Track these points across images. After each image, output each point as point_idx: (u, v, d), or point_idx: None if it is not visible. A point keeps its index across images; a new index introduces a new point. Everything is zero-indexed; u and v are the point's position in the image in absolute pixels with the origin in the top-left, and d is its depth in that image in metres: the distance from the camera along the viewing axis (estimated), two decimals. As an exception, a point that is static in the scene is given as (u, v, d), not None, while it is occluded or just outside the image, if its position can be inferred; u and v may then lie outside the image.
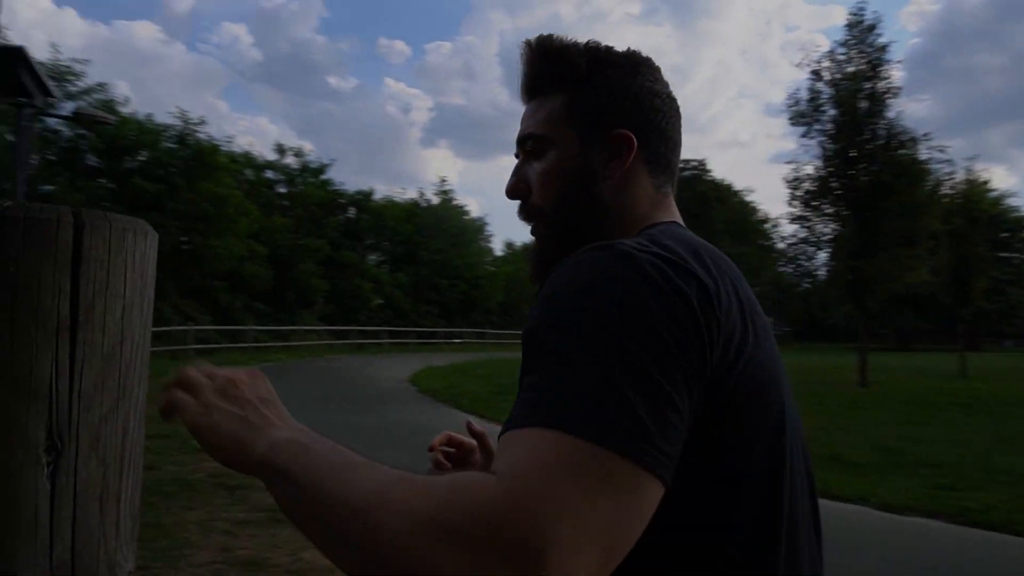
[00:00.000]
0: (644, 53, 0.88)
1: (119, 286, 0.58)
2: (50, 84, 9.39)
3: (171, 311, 21.42)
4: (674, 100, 0.89)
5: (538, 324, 0.61)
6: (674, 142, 0.88)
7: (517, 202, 0.88)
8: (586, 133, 0.83)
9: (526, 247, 0.95)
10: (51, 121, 21.94)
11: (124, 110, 24.75)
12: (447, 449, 1.06)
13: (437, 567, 0.48)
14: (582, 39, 0.87)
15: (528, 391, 0.58)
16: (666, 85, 0.89)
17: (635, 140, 0.83)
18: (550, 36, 0.86)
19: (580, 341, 0.57)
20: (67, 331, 0.53)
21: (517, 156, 0.89)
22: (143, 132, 24.70)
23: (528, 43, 0.86)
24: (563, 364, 0.57)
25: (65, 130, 23.44)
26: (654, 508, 0.54)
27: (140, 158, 24.97)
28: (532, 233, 0.88)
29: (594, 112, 0.83)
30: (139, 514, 0.52)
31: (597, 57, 0.85)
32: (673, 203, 0.88)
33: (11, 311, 0.51)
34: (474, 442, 1.06)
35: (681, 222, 0.85)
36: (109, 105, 23.85)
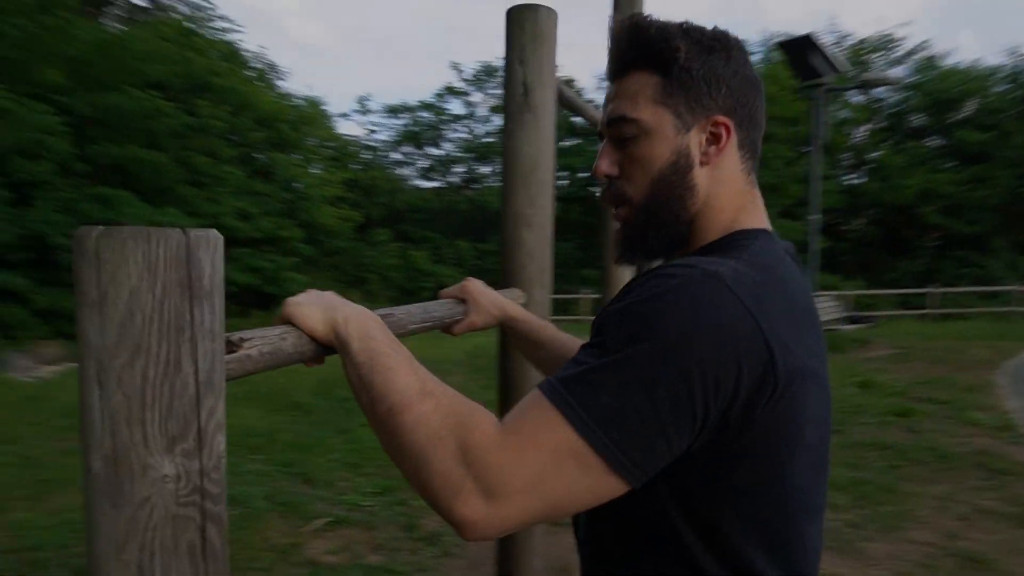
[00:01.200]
0: (733, 34, 0.86)
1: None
2: (838, 61, 9.95)
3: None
4: (760, 82, 0.88)
5: (610, 323, 0.70)
6: (761, 125, 0.89)
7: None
8: (683, 118, 0.83)
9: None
10: (876, 92, 23.15)
11: (950, 61, 23.78)
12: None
13: (436, 472, 0.67)
14: (677, 20, 0.86)
15: (572, 367, 0.69)
16: (753, 67, 0.88)
17: (730, 126, 0.83)
18: (645, 16, 0.84)
19: (634, 356, 0.66)
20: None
21: (601, 136, 0.88)
22: (968, 80, 23.01)
23: (620, 21, 0.85)
24: (605, 369, 0.66)
25: (889, 96, 24.21)
26: (609, 497, 0.68)
27: (966, 110, 23.38)
28: (616, 217, 0.88)
29: (692, 97, 0.82)
30: (178, 435, 0.57)
31: (695, 39, 0.83)
32: (757, 188, 0.89)
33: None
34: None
35: (765, 218, 0.88)
36: (930, 62, 23.36)
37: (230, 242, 13.70)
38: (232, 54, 17.95)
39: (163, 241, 0.55)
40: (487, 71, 25.98)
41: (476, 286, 1.21)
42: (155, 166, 12.76)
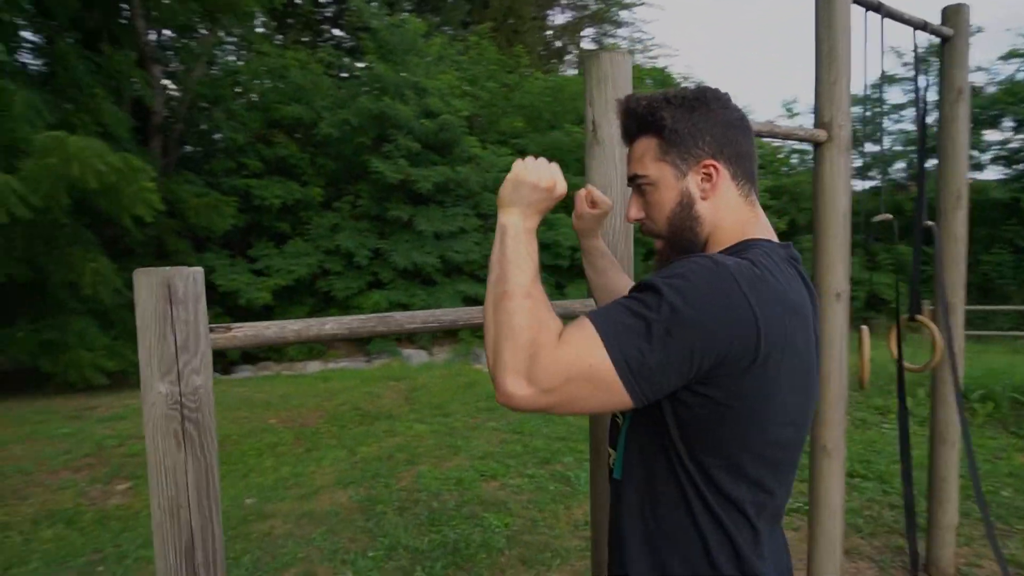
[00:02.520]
0: (713, 86, 1.09)
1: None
2: None
3: None
4: (744, 118, 1.10)
5: (649, 286, 0.91)
6: (750, 154, 1.09)
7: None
8: (679, 167, 1.06)
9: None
10: None
11: None
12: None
13: (509, 349, 0.90)
14: (662, 92, 1.09)
15: (617, 310, 0.91)
16: (736, 108, 1.09)
17: (718, 165, 1.06)
18: (636, 96, 1.10)
19: (660, 311, 0.88)
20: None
21: (630, 187, 1.13)
22: None
23: (619, 101, 1.12)
24: (637, 315, 0.89)
25: None
26: (612, 409, 0.92)
27: None
28: (656, 246, 1.13)
29: (683, 150, 1.06)
30: (165, 373, 1.11)
31: (677, 104, 1.06)
32: (759, 205, 1.11)
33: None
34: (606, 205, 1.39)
35: (769, 229, 1.09)
36: None
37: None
38: (665, 79, 19.34)
39: (150, 276, 1.12)
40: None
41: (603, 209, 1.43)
42: (586, 190, 14.66)
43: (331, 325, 1.33)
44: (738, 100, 1.13)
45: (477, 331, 14.83)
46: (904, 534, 3.27)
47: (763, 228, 1.10)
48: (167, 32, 13.19)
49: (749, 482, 0.99)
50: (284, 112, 13.58)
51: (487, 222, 14.58)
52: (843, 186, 2.19)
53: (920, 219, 2.64)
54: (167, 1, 10.48)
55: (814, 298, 1.07)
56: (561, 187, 1.07)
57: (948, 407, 2.94)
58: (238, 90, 13.92)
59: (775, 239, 1.10)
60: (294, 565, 3.38)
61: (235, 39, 15.35)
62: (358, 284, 13.97)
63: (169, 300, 1.13)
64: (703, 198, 1.07)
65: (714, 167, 1.06)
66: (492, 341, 0.93)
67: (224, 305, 12.51)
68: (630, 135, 1.12)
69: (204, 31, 13.24)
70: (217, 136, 13.69)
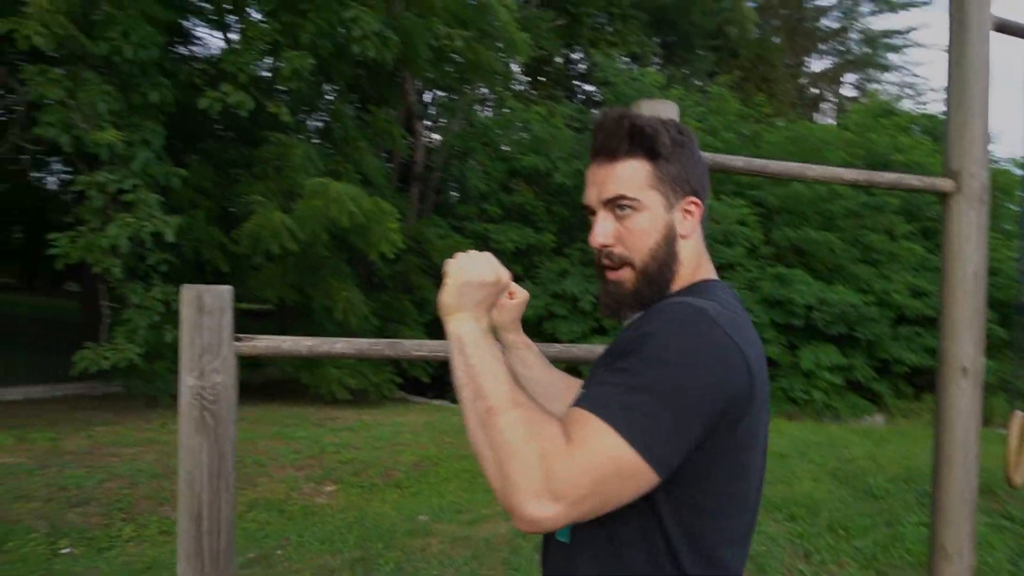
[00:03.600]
0: (686, 127, 1.08)
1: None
2: None
3: None
4: (704, 162, 1.09)
5: (632, 349, 0.87)
6: (708, 196, 1.09)
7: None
8: (669, 199, 1.03)
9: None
10: None
11: None
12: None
13: (518, 471, 0.80)
14: (661, 117, 1.07)
15: (605, 387, 0.86)
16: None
17: (699, 203, 1.06)
18: (636, 113, 1.05)
19: (657, 376, 0.84)
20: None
21: (591, 212, 1.06)
22: None
23: (611, 114, 1.04)
24: (639, 389, 0.83)
25: None
26: (644, 492, 0.85)
27: None
28: (614, 277, 1.05)
29: (674, 182, 1.03)
30: (191, 369, 1.35)
31: (671, 135, 1.03)
32: (705, 245, 1.10)
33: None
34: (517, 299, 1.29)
35: (714, 270, 1.11)
36: None
37: (900, 320, 13.17)
38: (935, 125, 17.31)
39: (189, 291, 1.40)
40: None
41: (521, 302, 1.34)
42: (828, 245, 13.51)
43: (341, 345, 1.51)
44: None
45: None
46: None
47: (711, 269, 1.11)
48: (430, 91, 14.97)
49: (727, 541, 0.96)
50: (524, 162, 14.52)
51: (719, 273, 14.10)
52: (976, 243, 1.90)
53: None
54: (428, 71, 11.84)
55: None
56: (505, 276, 1.04)
57: None
58: (485, 143, 15.18)
59: (717, 278, 1.10)
60: (426, 581, 3.61)
61: (492, 96, 16.92)
62: (581, 328, 14.27)
63: (200, 310, 1.39)
64: (683, 236, 1.06)
65: (696, 204, 1.06)
66: (493, 466, 0.84)
67: (456, 339, 13.56)
68: (616, 152, 1.03)
69: (464, 90, 14.77)
70: (466, 184, 15.03)
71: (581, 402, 0.87)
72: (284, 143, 9.18)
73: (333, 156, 10.48)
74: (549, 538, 1.08)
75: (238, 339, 1.46)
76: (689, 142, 1.06)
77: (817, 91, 23.50)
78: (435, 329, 13.37)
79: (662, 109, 1.69)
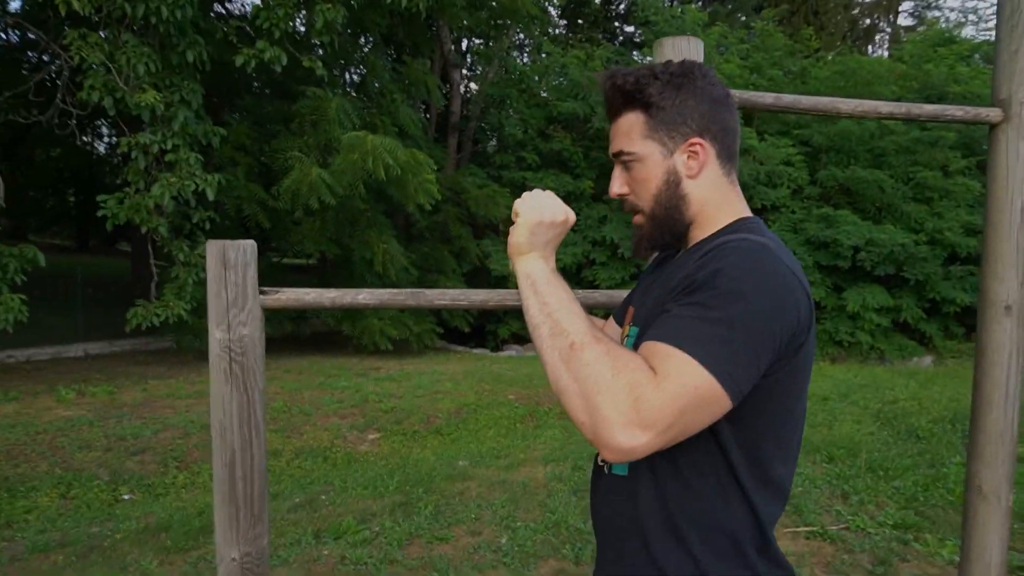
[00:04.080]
0: (697, 61, 1.09)
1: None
2: None
3: None
4: (728, 95, 1.08)
5: (706, 285, 0.90)
6: (734, 131, 1.08)
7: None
8: (667, 145, 1.05)
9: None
10: None
11: None
12: None
13: (609, 402, 0.83)
14: (648, 66, 1.07)
15: (683, 320, 0.89)
16: (720, 84, 1.07)
17: (704, 143, 1.04)
18: (622, 69, 1.07)
19: (732, 308, 0.87)
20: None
21: (613, 163, 1.12)
22: None
23: (604, 76, 1.08)
24: (717, 322, 0.87)
25: None
26: (719, 417, 0.89)
27: None
28: (634, 222, 1.11)
29: (670, 127, 1.04)
30: (219, 323, 1.40)
31: (665, 80, 1.04)
32: (737, 184, 1.10)
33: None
34: None
35: (747, 207, 1.09)
36: None
37: (952, 259, 12.73)
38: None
39: (213, 246, 1.42)
40: None
41: None
42: (877, 184, 13.05)
43: (364, 295, 1.53)
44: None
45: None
46: None
47: (745, 206, 1.10)
48: (466, 39, 14.72)
49: (780, 460, 1.00)
50: (562, 108, 14.27)
51: (760, 214, 13.77)
52: (1022, 176, 1.81)
53: None
54: (463, 17, 11.62)
55: None
56: (572, 215, 1.09)
57: None
58: (522, 89, 14.93)
59: (751, 214, 1.11)
60: (465, 523, 3.71)
61: (528, 41, 16.56)
62: (621, 275, 14.20)
63: (224, 265, 1.42)
64: (690, 177, 1.06)
65: (700, 145, 1.05)
66: (580, 399, 0.86)
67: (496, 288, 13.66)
68: (615, 110, 1.09)
69: (500, 36, 14.50)
70: (503, 133, 14.88)
71: (658, 336, 0.89)
72: (320, 97, 9.18)
73: (369, 109, 10.45)
74: (600, 474, 1.10)
75: (263, 292, 1.49)
76: (689, 82, 1.04)
77: (870, 22, 22.35)
78: (473, 278, 13.48)
79: (685, 45, 1.63)
